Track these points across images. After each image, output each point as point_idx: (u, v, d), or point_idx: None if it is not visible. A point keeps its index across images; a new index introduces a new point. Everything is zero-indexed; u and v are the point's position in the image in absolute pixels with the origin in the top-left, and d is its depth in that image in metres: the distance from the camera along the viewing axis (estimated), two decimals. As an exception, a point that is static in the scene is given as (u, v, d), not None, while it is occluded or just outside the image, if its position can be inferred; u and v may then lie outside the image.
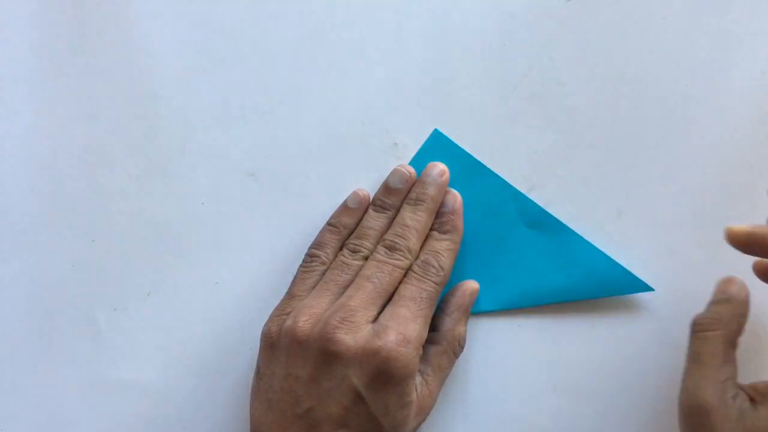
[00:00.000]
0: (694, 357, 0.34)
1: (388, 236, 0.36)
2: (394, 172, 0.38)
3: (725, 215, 0.39)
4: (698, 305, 0.38)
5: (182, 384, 0.39)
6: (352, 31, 0.40)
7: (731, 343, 0.34)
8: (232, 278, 0.39)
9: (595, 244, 0.38)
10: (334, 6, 0.40)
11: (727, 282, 0.36)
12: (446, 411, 0.38)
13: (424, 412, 0.35)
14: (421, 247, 0.37)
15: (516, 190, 0.39)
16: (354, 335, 0.33)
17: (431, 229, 0.37)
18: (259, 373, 0.35)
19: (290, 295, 0.37)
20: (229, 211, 0.40)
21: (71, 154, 0.40)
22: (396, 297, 0.35)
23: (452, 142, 0.39)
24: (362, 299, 0.34)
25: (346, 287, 0.35)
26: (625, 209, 0.39)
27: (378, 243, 0.37)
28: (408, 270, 0.36)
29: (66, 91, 0.40)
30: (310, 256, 0.37)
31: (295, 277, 0.37)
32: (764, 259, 0.35)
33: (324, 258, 0.37)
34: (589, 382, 0.38)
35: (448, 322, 0.37)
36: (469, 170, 0.39)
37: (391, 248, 0.36)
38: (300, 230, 0.39)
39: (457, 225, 0.37)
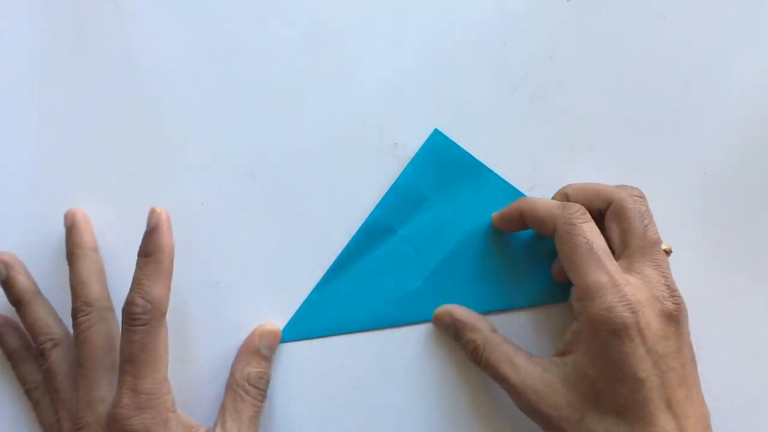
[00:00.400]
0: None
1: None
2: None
3: (725, 215, 0.39)
4: (698, 305, 0.38)
5: (182, 384, 0.39)
6: (352, 31, 0.40)
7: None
8: (231, 278, 0.39)
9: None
10: (334, 6, 0.40)
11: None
12: (443, 412, 0.38)
13: None
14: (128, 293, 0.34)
15: (516, 190, 0.39)
16: (96, 415, 0.34)
17: (138, 256, 0.35)
18: None
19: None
20: (229, 211, 0.40)
21: (71, 154, 0.40)
22: (118, 363, 0.34)
23: (452, 142, 0.39)
24: (83, 385, 0.34)
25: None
26: (625, 209, 0.39)
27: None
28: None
29: (66, 91, 0.40)
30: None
31: None
32: (558, 264, 0.37)
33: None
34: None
35: (235, 365, 0.37)
36: (469, 170, 0.39)
37: (73, 316, 0.35)
38: (300, 230, 0.39)
39: (160, 242, 0.34)
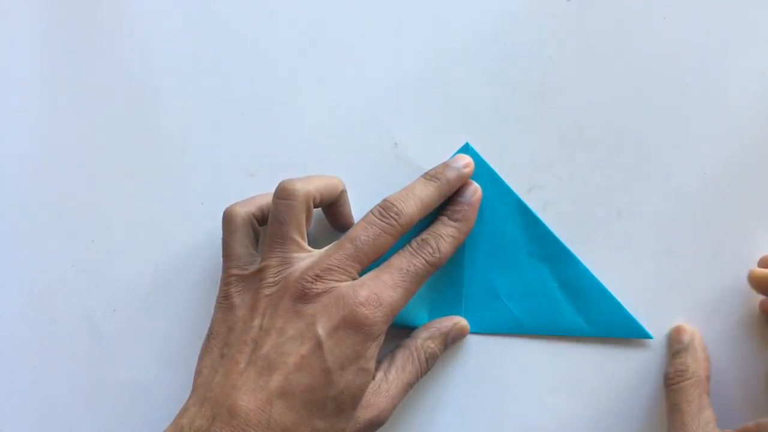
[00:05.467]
0: (674, 408, 0.35)
1: (390, 197, 0.35)
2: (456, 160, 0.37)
3: (725, 215, 0.39)
4: (698, 304, 0.38)
5: (182, 384, 0.39)
6: (353, 31, 0.40)
7: (704, 389, 0.35)
8: (232, 278, 0.39)
9: (595, 245, 0.38)
10: (334, 6, 0.40)
11: (678, 331, 0.37)
12: (446, 411, 0.38)
13: (376, 412, 0.34)
14: (426, 230, 0.36)
15: (536, 217, 0.39)
16: (326, 287, 0.32)
17: (441, 215, 0.37)
18: (212, 333, 0.35)
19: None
20: (229, 211, 0.40)
21: (71, 154, 0.40)
22: (384, 264, 0.34)
23: (481, 158, 0.39)
24: (339, 259, 0.33)
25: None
26: (625, 209, 0.39)
27: None
28: (405, 245, 0.35)
29: (66, 91, 0.40)
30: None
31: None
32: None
33: None
34: (589, 383, 0.38)
35: (422, 333, 0.37)
36: (492, 190, 0.38)
37: (386, 208, 0.34)
38: (300, 230, 0.39)
39: (468, 216, 0.36)
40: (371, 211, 0.35)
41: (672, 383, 0.36)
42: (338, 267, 0.33)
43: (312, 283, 0.32)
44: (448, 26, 0.40)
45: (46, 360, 0.39)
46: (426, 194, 0.35)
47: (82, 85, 0.40)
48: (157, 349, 0.39)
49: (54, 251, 0.40)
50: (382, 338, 0.33)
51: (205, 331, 0.38)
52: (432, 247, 0.35)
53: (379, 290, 0.33)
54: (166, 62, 0.40)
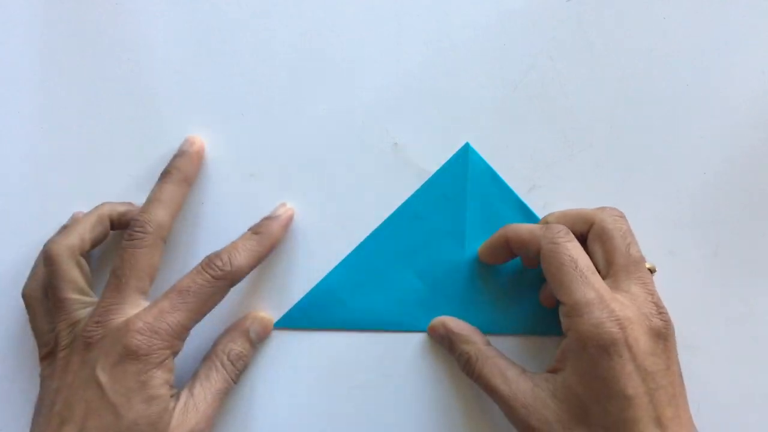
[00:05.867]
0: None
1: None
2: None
3: (725, 215, 0.39)
4: (698, 305, 0.38)
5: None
6: (353, 31, 0.40)
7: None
8: (232, 278, 0.39)
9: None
10: (334, 6, 0.40)
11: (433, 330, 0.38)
12: (443, 412, 0.39)
13: (188, 429, 0.34)
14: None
15: (536, 217, 0.38)
16: (105, 328, 0.33)
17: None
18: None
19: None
20: (229, 211, 0.40)
21: (71, 154, 0.40)
22: (169, 288, 0.34)
23: (481, 158, 0.39)
24: (109, 296, 0.34)
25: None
26: (625, 209, 0.39)
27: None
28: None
29: (66, 91, 0.40)
30: None
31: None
32: (546, 290, 0.37)
33: None
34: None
35: (222, 337, 0.37)
36: (494, 191, 0.39)
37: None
38: (300, 230, 0.39)
39: (271, 229, 0.37)
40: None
41: (466, 372, 0.36)
42: (110, 304, 0.33)
43: (94, 329, 0.33)
44: (448, 26, 0.40)
45: (46, 360, 0.39)
46: (164, 193, 0.36)
47: (81, 85, 0.40)
48: (157, 349, 0.39)
49: (54, 251, 0.40)
50: (170, 362, 0.33)
51: (204, 330, 0.39)
52: (222, 261, 0.34)
53: (154, 316, 0.33)
54: (167, 62, 0.40)
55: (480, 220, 0.38)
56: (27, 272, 0.39)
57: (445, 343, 0.37)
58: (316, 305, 0.39)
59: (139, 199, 0.40)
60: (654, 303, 0.33)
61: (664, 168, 0.39)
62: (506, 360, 0.35)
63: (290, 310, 0.39)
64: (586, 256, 0.33)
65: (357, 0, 0.40)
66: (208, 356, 0.37)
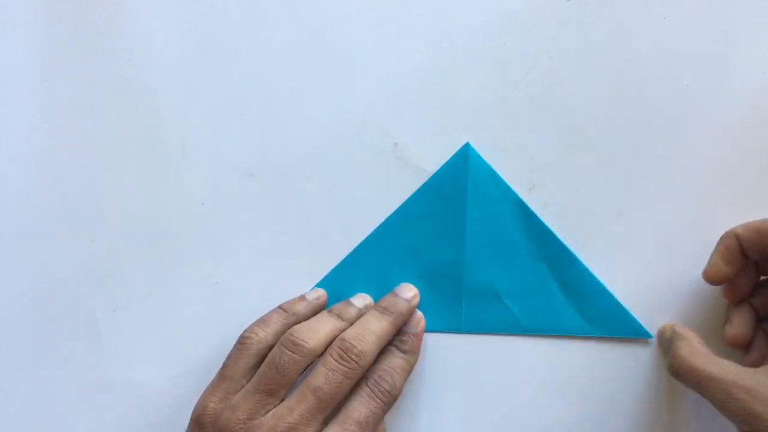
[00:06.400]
0: (698, 384, 0.33)
1: (348, 335, 0.34)
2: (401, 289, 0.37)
3: (725, 215, 0.39)
4: (698, 305, 0.38)
5: (182, 384, 0.39)
6: (352, 31, 0.40)
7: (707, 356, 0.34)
8: (231, 278, 0.39)
9: (595, 245, 0.38)
10: (333, 6, 0.40)
11: (661, 331, 0.37)
12: (445, 413, 0.39)
13: None
14: (378, 364, 0.35)
15: (536, 217, 0.38)
16: None
17: (390, 345, 0.36)
18: None
19: (222, 377, 0.35)
20: (229, 211, 0.40)
21: (71, 154, 0.40)
22: (344, 416, 0.33)
23: (481, 158, 0.39)
24: (303, 414, 0.32)
25: (281, 389, 0.34)
26: (625, 209, 0.39)
27: (325, 345, 0.35)
28: (360, 381, 0.34)
29: (66, 91, 0.40)
30: (248, 332, 0.36)
31: (230, 353, 0.36)
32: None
33: (262, 336, 0.35)
34: (589, 382, 0.38)
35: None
36: (492, 190, 0.39)
37: (347, 350, 0.33)
38: (300, 230, 0.39)
39: (415, 348, 0.36)
40: (330, 354, 0.34)
41: (675, 371, 0.34)
42: (303, 423, 0.32)
43: None
44: (448, 26, 0.40)
45: (46, 360, 0.39)
46: (382, 329, 0.35)
47: (81, 85, 0.40)
48: (157, 349, 0.39)
49: (54, 251, 0.40)
50: None
51: (205, 330, 0.38)
52: (389, 384, 0.34)
53: None
54: (166, 62, 0.40)
55: (480, 220, 0.38)
56: (27, 272, 0.39)
57: (665, 346, 0.37)
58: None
59: (139, 199, 0.40)
60: None
61: (664, 168, 0.39)
62: (713, 353, 0.34)
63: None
64: None
65: (357, 0, 0.40)
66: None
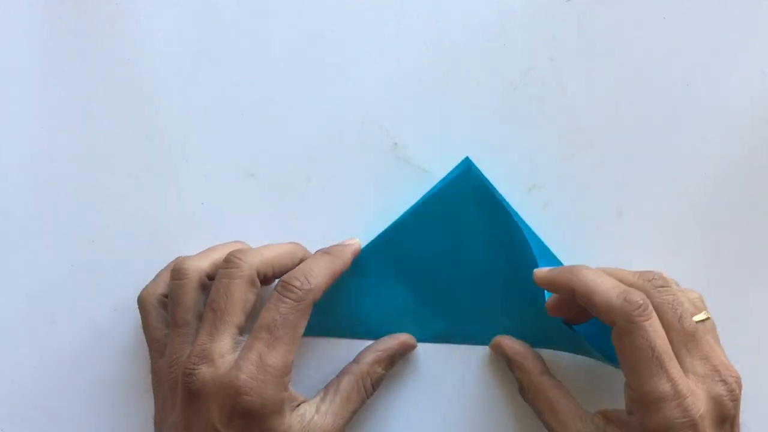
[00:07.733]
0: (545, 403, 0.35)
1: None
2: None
3: (725, 215, 0.39)
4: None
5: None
6: (352, 31, 0.40)
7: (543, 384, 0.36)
8: (232, 278, 0.39)
9: (595, 245, 0.38)
10: (333, 5, 0.40)
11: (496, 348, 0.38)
12: (441, 424, 0.39)
13: None
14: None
15: (531, 231, 0.38)
16: (212, 369, 0.31)
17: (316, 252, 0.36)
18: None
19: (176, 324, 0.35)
20: (229, 211, 0.40)
21: (71, 155, 0.40)
22: (254, 326, 0.32)
23: (481, 174, 0.37)
24: (207, 331, 0.32)
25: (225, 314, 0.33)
26: (625, 209, 0.39)
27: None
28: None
29: (66, 91, 0.40)
30: None
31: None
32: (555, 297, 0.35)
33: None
34: (588, 383, 0.38)
35: (368, 356, 0.37)
36: (490, 211, 0.37)
37: (226, 260, 0.34)
38: (300, 230, 0.39)
39: (341, 253, 0.36)
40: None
41: (526, 396, 0.36)
42: (209, 340, 0.32)
43: (195, 365, 0.32)
44: (448, 26, 0.40)
45: (46, 360, 0.39)
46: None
47: (81, 85, 0.40)
48: (157, 349, 0.39)
49: (54, 251, 0.40)
50: (288, 396, 0.33)
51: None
52: (299, 281, 0.33)
53: (256, 365, 0.31)
54: (166, 62, 0.40)
55: (477, 236, 0.37)
56: (27, 272, 0.39)
57: (505, 361, 0.37)
58: (318, 312, 0.38)
59: (139, 199, 0.40)
60: (722, 381, 0.31)
61: (664, 168, 0.39)
62: (560, 391, 0.35)
63: None
64: (665, 336, 0.31)
65: (357, 0, 0.40)
66: (351, 373, 0.36)
